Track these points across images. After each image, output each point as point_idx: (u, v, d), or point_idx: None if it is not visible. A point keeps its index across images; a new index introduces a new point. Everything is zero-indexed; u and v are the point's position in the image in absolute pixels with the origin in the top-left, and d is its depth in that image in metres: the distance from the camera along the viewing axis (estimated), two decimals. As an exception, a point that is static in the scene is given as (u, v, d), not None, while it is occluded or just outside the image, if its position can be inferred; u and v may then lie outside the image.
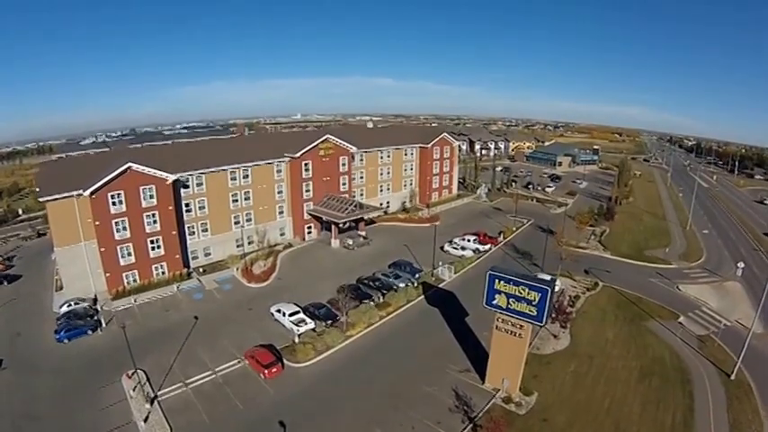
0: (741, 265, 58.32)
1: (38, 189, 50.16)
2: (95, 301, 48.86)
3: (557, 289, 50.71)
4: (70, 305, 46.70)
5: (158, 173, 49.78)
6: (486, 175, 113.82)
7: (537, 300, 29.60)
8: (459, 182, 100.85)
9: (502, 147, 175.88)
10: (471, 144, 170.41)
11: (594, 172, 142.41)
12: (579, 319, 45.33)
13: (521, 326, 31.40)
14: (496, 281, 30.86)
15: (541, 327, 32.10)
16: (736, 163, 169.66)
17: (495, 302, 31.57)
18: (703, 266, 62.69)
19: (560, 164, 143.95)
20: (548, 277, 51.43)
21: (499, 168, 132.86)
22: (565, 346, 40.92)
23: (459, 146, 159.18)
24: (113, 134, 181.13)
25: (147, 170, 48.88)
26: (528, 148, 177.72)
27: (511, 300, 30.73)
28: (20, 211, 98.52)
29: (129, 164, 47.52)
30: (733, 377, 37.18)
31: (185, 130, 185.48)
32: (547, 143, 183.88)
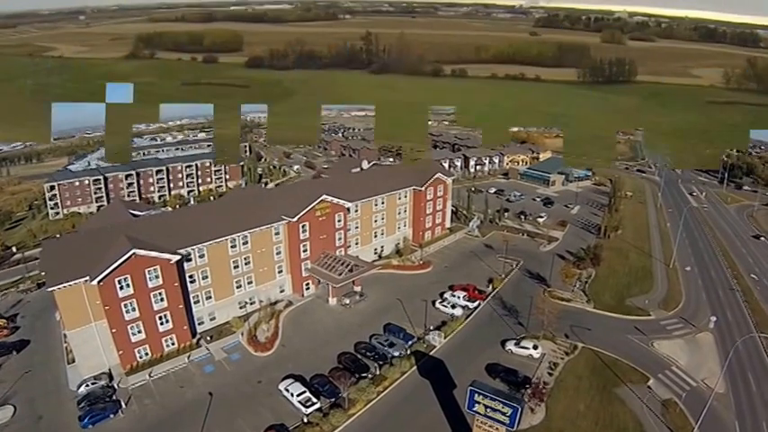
0: (714, 318, 62.33)
1: (43, 273, 52.28)
2: (110, 377, 52.38)
3: (537, 355, 55.12)
4: (87, 385, 50.25)
5: (162, 255, 52.75)
6: (480, 199, 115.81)
7: (509, 413, 33.73)
8: (452, 211, 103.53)
9: (497, 161, 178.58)
10: (466, 160, 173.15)
11: (588, 189, 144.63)
12: (556, 389, 49.26)
13: (497, 428, 35.53)
14: (476, 395, 35.21)
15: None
16: (726, 173, 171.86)
17: (474, 409, 35.97)
18: (680, 315, 66.42)
19: (553, 183, 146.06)
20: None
21: (492, 190, 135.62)
22: (540, 420, 45.10)
23: (454, 163, 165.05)
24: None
25: (151, 253, 51.94)
26: (523, 161, 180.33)
27: (488, 409, 34.83)
28: (14, 249, 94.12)
29: (134, 250, 50.12)
30: (688, 446, 41.59)
31: (181, 149, 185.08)
32: (542, 155, 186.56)
